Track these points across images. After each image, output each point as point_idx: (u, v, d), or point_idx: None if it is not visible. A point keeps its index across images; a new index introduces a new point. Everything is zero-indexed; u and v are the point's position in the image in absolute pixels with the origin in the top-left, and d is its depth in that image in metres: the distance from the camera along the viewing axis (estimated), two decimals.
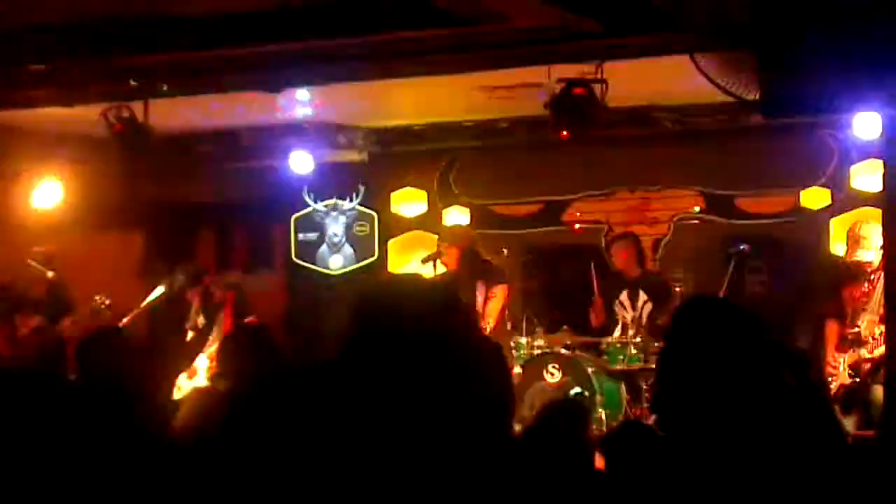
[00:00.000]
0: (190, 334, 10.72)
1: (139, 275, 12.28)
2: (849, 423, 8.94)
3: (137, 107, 9.55)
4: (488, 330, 10.22)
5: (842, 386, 9.50)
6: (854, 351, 9.61)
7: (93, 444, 2.59)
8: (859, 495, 3.21)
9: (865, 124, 10.37)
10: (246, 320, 10.19)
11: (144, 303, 10.74)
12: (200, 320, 10.56)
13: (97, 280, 11.14)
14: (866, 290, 9.61)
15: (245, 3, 7.66)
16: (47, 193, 11.61)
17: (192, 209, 13.23)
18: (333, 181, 12.98)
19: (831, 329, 9.82)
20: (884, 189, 7.34)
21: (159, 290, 10.71)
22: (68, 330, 10.34)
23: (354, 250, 13.09)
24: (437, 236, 11.88)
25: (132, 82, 9.02)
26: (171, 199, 12.97)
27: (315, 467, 2.02)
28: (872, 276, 9.50)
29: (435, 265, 10.73)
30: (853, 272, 9.96)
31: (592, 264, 11.11)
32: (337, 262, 13.12)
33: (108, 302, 10.74)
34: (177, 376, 10.32)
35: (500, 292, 10.74)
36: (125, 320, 10.41)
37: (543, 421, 5.87)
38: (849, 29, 6.11)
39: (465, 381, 2.45)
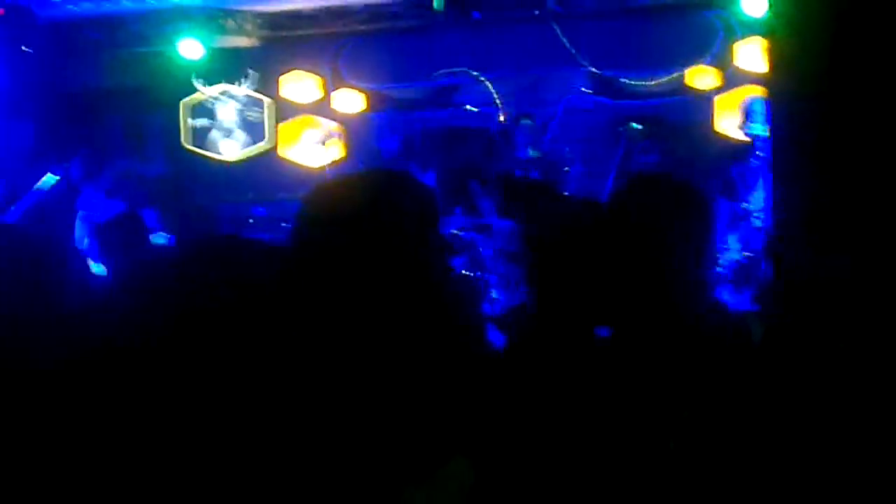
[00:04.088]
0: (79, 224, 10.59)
1: (29, 163, 12.11)
2: (744, 300, 9.11)
3: None
4: None
5: (735, 262, 9.68)
6: (747, 227, 9.77)
7: None
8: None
9: (752, 2, 10.51)
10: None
11: (35, 189, 10.61)
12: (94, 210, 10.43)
13: None
14: (754, 166, 9.78)
15: None
16: None
17: (80, 97, 13.03)
18: (223, 66, 12.86)
19: (719, 205, 10.00)
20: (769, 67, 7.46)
21: (50, 177, 10.57)
22: None
23: (247, 135, 13.01)
24: (329, 120, 11.87)
25: None
26: (60, 86, 12.77)
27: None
28: (759, 153, 9.66)
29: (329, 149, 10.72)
30: (738, 145, 10.14)
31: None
32: (230, 148, 13.04)
33: None
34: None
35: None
36: (15, 207, 10.28)
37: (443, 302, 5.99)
38: None
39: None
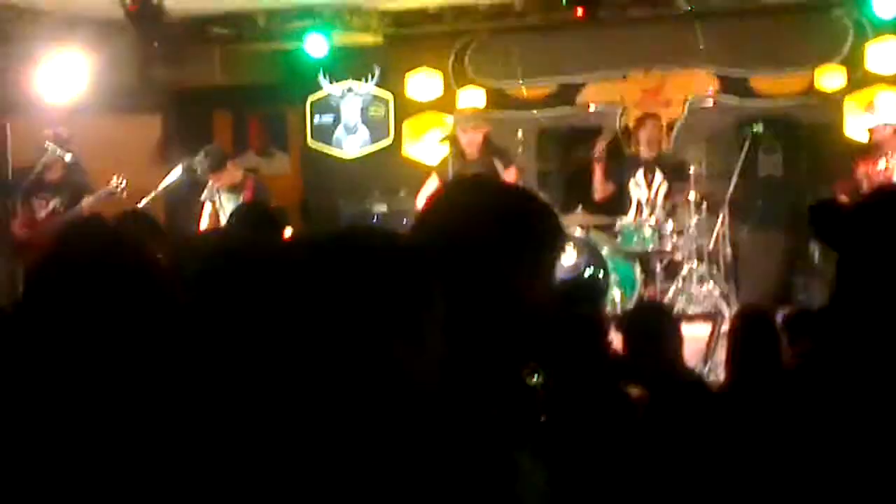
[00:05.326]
0: (207, 219, 10.71)
1: (155, 158, 12.31)
2: None
3: None
4: None
5: None
6: None
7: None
8: None
9: (884, 2, 10.32)
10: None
11: (162, 185, 10.77)
12: (219, 204, 10.55)
13: (113, 164, 11.15)
14: (883, 167, 9.60)
15: None
16: (63, 76, 11.59)
17: (206, 93, 13.22)
18: (348, 64, 12.95)
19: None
20: None
21: (177, 172, 10.72)
22: (86, 212, 10.39)
23: (370, 132, 13.09)
24: (451, 117, 11.90)
25: None
26: (186, 82, 12.96)
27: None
28: (889, 152, 9.48)
29: (451, 146, 10.71)
30: (866, 147, 9.96)
31: (601, 143, 11.07)
32: (352, 145, 13.13)
33: (124, 185, 10.76)
34: None
35: (510, 174, 10.74)
36: (142, 202, 10.44)
37: (559, 299, 5.96)
38: None
39: None
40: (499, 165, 10.71)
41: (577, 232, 10.66)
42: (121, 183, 10.77)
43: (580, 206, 10.91)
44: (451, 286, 2.10)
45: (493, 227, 2.39)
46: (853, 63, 11.60)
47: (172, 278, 2.85)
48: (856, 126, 11.16)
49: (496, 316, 2.34)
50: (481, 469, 2.03)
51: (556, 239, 2.50)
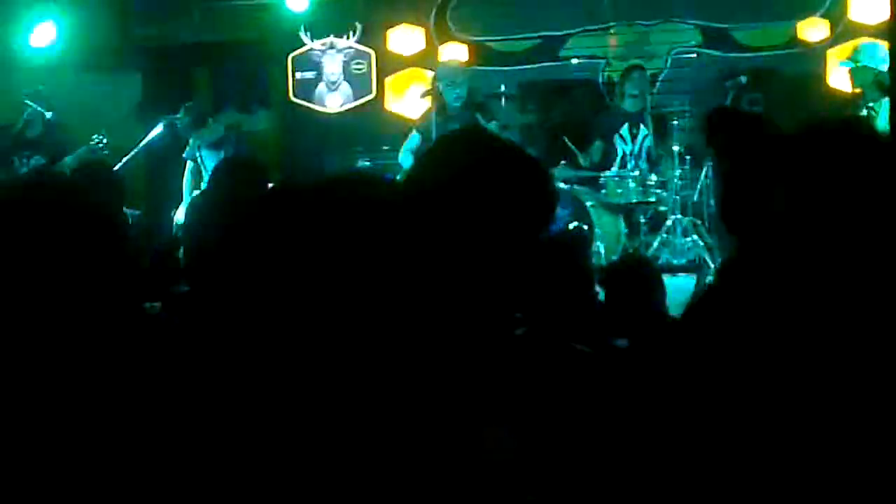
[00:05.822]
0: (189, 176, 10.68)
1: (136, 115, 12.24)
2: None
3: None
4: None
5: None
6: None
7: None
8: None
9: None
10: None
11: (143, 141, 10.74)
12: (201, 161, 10.52)
13: (93, 122, 11.11)
14: (865, 116, 9.59)
15: None
16: (42, 34, 11.53)
17: (186, 49, 13.12)
18: (330, 19, 12.86)
19: None
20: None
21: (159, 128, 10.69)
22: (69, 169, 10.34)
23: (352, 88, 13.03)
24: (433, 72, 11.85)
25: None
26: (166, 39, 12.87)
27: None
28: (871, 103, 9.48)
29: (433, 101, 10.67)
30: (850, 97, 9.96)
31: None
32: (334, 101, 13.07)
33: (105, 141, 10.73)
34: (174, 213, 10.37)
35: (493, 128, 10.69)
36: (123, 160, 10.41)
37: (543, 250, 5.94)
38: None
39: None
40: (481, 120, 10.67)
41: (561, 185, 10.64)
42: (101, 140, 10.73)
43: (563, 160, 10.91)
44: (442, 238, 2.09)
45: (485, 181, 2.38)
46: (835, 15, 11.59)
47: (125, 233, 2.82)
48: (839, 77, 11.15)
49: (483, 269, 2.34)
50: (441, 442, 2.02)
51: (549, 195, 2.50)
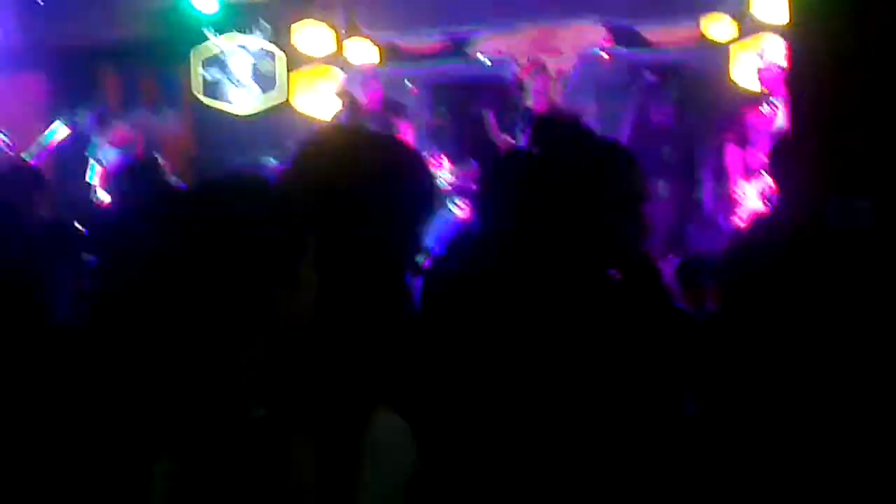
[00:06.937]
0: (96, 179, 10.58)
1: (41, 117, 12.08)
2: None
3: None
4: None
5: (754, 213, 9.54)
6: (764, 178, 9.68)
7: None
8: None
9: None
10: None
11: (42, 141, 10.61)
12: (106, 164, 10.42)
13: None
14: (768, 112, 9.69)
15: None
16: None
17: (92, 49, 12.98)
18: (236, 18, 12.78)
19: (732, 154, 9.91)
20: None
21: (59, 127, 10.57)
22: None
23: (260, 87, 12.95)
24: (341, 70, 11.81)
25: None
26: (71, 39, 12.72)
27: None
28: (773, 99, 9.57)
29: (343, 100, 10.66)
30: (755, 95, 10.07)
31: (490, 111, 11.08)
32: (242, 100, 12.98)
33: (8, 141, 10.59)
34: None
35: (404, 128, 10.70)
36: (29, 159, 10.28)
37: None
38: None
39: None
40: (393, 120, 10.66)
41: (473, 186, 10.63)
42: (4, 139, 10.60)
43: (473, 160, 10.92)
44: (324, 231, 2.10)
45: (366, 177, 2.40)
46: (740, 12, 11.71)
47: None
48: (744, 74, 11.27)
49: (366, 267, 2.37)
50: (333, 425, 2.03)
51: (426, 194, 2.52)
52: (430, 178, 2.57)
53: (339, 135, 2.69)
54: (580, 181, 3.04)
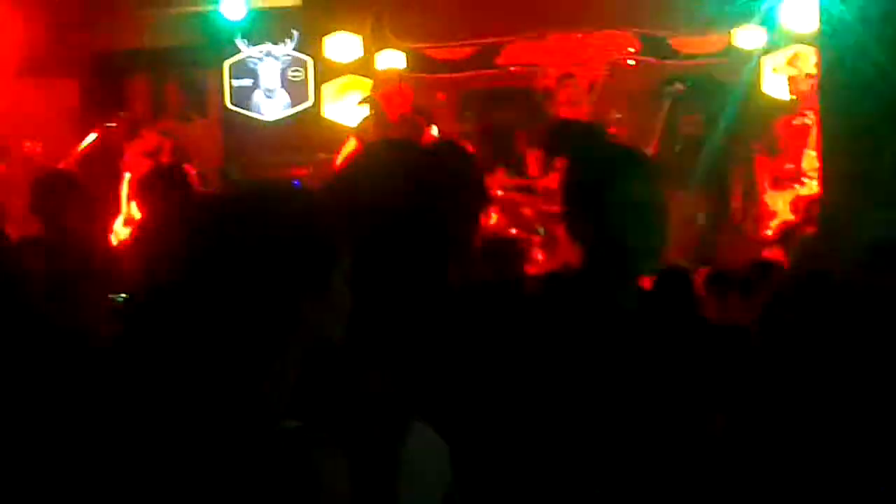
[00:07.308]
0: (126, 187, 10.61)
1: (71, 123, 12.12)
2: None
3: None
4: None
5: (783, 223, 9.51)
6: (794, 188, 9.63)
7: None
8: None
9: None
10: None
11: (77, 149, 10.65)
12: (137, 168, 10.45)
13: (28, 128, 11.02)
14: (799, 123, 9.66)
15: None
16: None
17: (122, 57, 13.04)
18: (266, 27, 12.82)
19: (762, 164, 9.87)
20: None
21: (91, 137, 10.60)
22: (1, 175, 10.27)
23: (289, 96, 12.98)
24: (370, 81, 11.82)
25: None
26: (101, 47, 12.78)
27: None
28: (805, 110, 9.54)
29: (372, 109, 10.66)
30: (784, 105, 10.03)
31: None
32: (272, 109, 13.01)
33: (39, 149, 10.65)
34: (112, 222, 10.30)
35: (432, 136, 10.69)
36: (59, 166, 10.32)
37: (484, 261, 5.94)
38: None
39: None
40: (420, 128, 10.66)
41: (499, 193, 10.65)
42: (35, 147, 10.66)
43: (501, 168, 10.91)
44: (363, 246, 2.10)
45: (406, 192, 2.39)
46: (770, 23, 11.68)
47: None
48: (773, 84, 11.24)
49: (405, 282, 2.36)
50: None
51: (472, 211, 2.52)
52: (480, 193, 2.55)
53: (389, 151, 2.67)
54: (593, 186, 3.04)
